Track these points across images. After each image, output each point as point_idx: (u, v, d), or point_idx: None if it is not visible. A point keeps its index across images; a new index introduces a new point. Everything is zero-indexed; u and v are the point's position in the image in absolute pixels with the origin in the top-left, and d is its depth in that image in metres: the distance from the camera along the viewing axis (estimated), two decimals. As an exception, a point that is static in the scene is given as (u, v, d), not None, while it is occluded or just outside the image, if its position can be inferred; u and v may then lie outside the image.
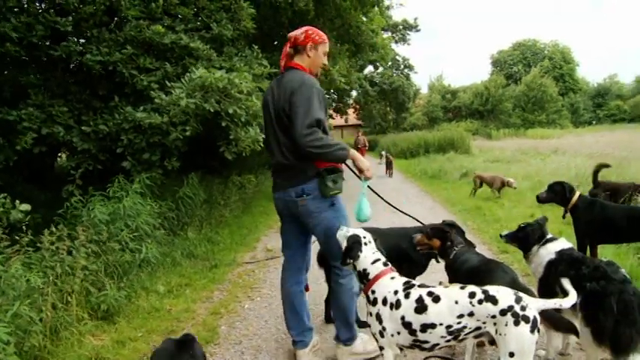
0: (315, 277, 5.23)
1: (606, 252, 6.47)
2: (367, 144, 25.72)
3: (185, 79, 7.36)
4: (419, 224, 4.62)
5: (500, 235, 4.40)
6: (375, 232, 4.50)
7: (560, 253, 3.83)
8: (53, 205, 6.83)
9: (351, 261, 3.25)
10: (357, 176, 3.90)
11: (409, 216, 4.71)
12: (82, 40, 8.27)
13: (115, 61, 7.61)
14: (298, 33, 3.78)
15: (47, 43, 7.68)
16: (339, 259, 3.69)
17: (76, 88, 8.15)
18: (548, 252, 3.90)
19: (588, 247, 5.98)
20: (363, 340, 4.07)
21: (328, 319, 4.82)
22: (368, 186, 3.93)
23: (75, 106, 7.86)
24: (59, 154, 10.30)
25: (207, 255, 7.55)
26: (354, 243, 3.27)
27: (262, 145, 8.16)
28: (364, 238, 3.30)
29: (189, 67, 7.76)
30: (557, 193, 6.07)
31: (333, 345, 4.18)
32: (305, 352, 4.12)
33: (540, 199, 6.36)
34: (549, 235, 4.05)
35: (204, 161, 10.69)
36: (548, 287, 3.72)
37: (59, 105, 7.49)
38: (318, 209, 3.70)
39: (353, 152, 3.69)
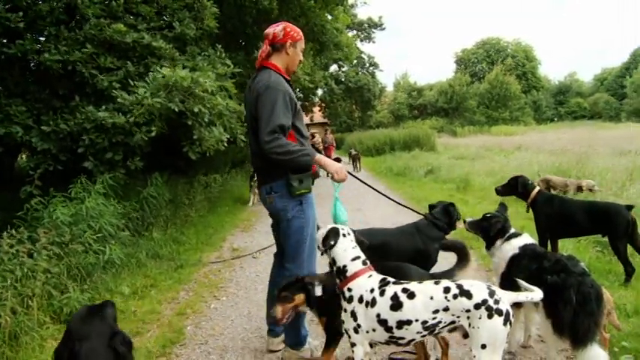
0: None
1: (567, 246, 6.66)
2: (335, 143, 25.56)
3: (149, 79, 7.28)
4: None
5: (464, 222, 4.49)
6: (384, 234, 4.57)
7: (524, 248, 3.93)
8: (13, 206, 6.67)
9: (328, 249, 3.21)
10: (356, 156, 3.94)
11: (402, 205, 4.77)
12: (40, 38, 8.09)
13: (75, 60, 7.46)
14: (277, 30, 3.75)
15: (4, 41, 7.50)
16: (292, 260, 3.74)
17: (35, 87, 7.96)
18: (511, 247, 3.99)
19: (550, 242, 6.17)
20: (312, 346, 4.09)
21: None
22: (359, 178, 3.96)
23: (34, 105, 7.67)
24: (20, 155, 10.08)
25: (173, 255, 7.48)
26: (332, 232, 3.25)
27: (226, 145, 8.14)
28: (343, 229, 3.28)
29: (152, 67, 7.68)
30: (512, 187, 6.30)
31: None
32: (275, 340, 4.22)
33: (498, 192, 6.55)
34: (513, 231, 4.15)
35: (170, 161, 10.60)
36: (510, 282, 3.81)
37: (17, 104, 7.30)
38: (285, 208, 3.72)
39: (319, 158, 3.67)
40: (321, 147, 22.58)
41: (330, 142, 24.02)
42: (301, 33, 3.83)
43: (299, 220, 3.75)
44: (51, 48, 7.42)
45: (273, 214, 3.88)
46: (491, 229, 4.13)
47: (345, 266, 3.15)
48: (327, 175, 3.77)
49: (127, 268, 6.60)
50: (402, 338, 2.95)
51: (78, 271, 5.62)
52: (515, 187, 6.32)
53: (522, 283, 3.16)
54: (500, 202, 4.64)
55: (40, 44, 7.67)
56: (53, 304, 4.92)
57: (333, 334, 3.62)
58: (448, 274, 3.63)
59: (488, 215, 4.28)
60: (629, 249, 5.64)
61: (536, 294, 2.98)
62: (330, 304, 3.45)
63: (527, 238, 4.05)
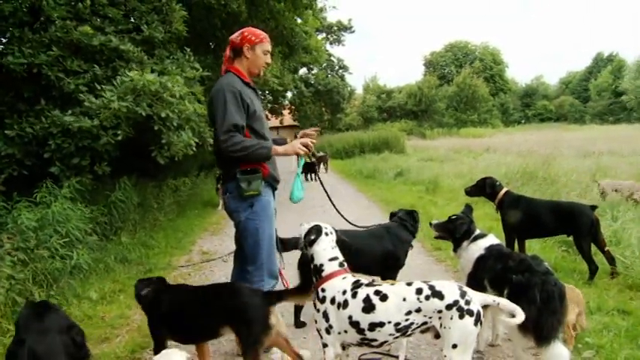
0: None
1: (533, 246, 6.81)
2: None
3: (117, 82, 7.20)
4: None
5: (430, 224, 4.57)
6: (354, 236, 4.60)
7: (489, 249, 4.03)
8: (-24, 212, 6.54)
9: (309, 247, 3.25)
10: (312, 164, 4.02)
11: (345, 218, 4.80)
12: (2, 40, 7.93)
13: (40, 63, 7.33)
14: (235, 36, 3.83)
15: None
16: (251, 262, 3.79)
17: (-1, 90, 7.80)
18: (478, 248, 4.09)
19: (517, 242, 6.31)
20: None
21: (297, 324, 4.87)
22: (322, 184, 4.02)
23: (-3, 108, 7.52)
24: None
25: (142, 259, 7.41)
26: (315, 228, 3.29)
27: (195, 149, 8.10)
28: (326, 228, 3.33)
29: (120, 70, 7.59)
30: (480, 187, 6.43)
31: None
32: None
33: (467, 193, 6.69)
34: (478, 232, 4.24)
35: (138, 164, 10.48)
36: (477, 282, 3.90)
37: (-21, 108, 7.15)
38: (237, 209, 3.78)
39: (276, 148, 3.75)
40: None
41: None
42: (263, 35, 3.85)
43: (252, 222, 3.78)
44: (15, 50, 7.26)
45: (229, 214, 3.95)
46: (457, 231, 4.22)
47: (321, 265, 3.18)
48: (312, 179, 3.83)
49: (95, 273, 6.52)
50: (375, 340, 2.99)
51: (44, 277, 5.52)
52: (484, 188, 6.45)
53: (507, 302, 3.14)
54: (465, 204, 4.75)
55: (2, 46, 7.53)
56: (18, 312, 4.83)
57: (151, 332, 3.71)
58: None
59: (454, 217, 4.36)
60: (593, 248, 5.80)
61: (507, 304, 3.06)
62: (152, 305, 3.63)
63: (493, 239, 4.15)
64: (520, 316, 2.99)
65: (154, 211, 10.10)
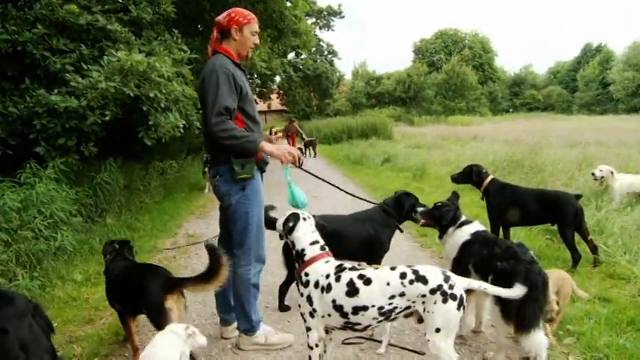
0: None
1: (518, 234, 6.86)
2: (300, 132, 23.82)
3: (104, 62, 7.11)
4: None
5: (415, 212, 4.59)
6: (337, 220, 4.61)
7: (475, 235, 4.06)
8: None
9: (289, 234, 3.26)
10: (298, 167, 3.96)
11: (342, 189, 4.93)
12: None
13: (25, 40, 7.22)
14: (222, 17, 3.75)
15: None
16: (239, 246, 3.80)
17: (-20, 67, 7.67)
18: (464, 233, 4.12)
19: (502, 230, 6.35)
20: (265, 332, 4.12)
21: (282, 308, 4.89)
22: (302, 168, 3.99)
23: (-21, 87, 7.40)
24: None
25: (127, 242, 7.37)
26: (292, 215, 3.30)
27: (182, 131, 8.04)
28: (302, 214, 3.33)
29: (107, 50, 7.50)
30: (467, 175, 6.46)
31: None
32: (228, 329, 4.29)
33: (454, 180, 6.72)
34: (464, 218, 4.27)
35: (125, 146, 10.41)
36: (462, 267, 3.93)
37: (-40, 85, 7.04)
38: (228, 192, 3.75)
39: (263, 145, 3.62)
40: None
41: (293, 131, 23.23)
42: (250, 16, 3.78)
43: (243, 205, 3.77)
44: (-2, 27, 7.15)
45: (219, 198, 3.91)
46: (443, 218, 4.24)
47: (303, 250, 3.19)
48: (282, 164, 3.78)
49: (80, 254, 6.50)
50: (358, 324, 3.00)
51: (28, 258, 5.50)
52: (470, 175, 6.48)
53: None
54: (452, 191, 4.76)
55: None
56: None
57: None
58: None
59: (439, 204, 4.38)
60: (576, 237, 5.85)
61: (491, 288, 3.13)
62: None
63: (479, 226, 4.19)
64: (510, 292, 3.09)
65: (140, 193, 10.06)
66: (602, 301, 4.80)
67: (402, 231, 5.00)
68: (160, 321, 3.36)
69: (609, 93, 60.54)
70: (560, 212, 5.77)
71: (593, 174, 7.97)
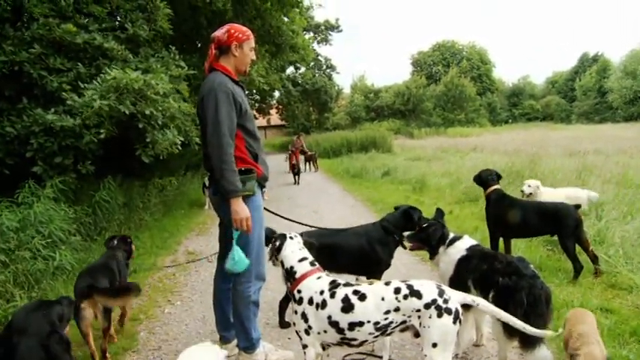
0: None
1: (519, 245, 6.83)
2: (303, 147, 23.06)
3: (99, 80, 7.13)
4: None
5: (402, 237, 4.51)
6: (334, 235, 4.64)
7: (471, 250, 4.00)
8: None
9: (277, 254, 3.25)
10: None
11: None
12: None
13: (22, 60, 7.26)
14: (221, 33, 3.72)
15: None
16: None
17: (-21, 88, 7.69)
18: (457, 250, 4.05)
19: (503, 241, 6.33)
20: (265, 349, 4.08)
21: (282, 324, 4.83)
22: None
23: (-23, 107, 7.41)
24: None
25: (127, 260, 7.34)
26: (280, 236, 3.30)
27: (180, 148, 8.04)
28: (290, 233, 3.34)
29: (103, 68, 7.52)
30: (477, 178, 6.51)
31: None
32: (228, 347, 4.19)
33: (474, 180, 6.75)
34: (452, 235, 4.22)
35: (123, 164, 10.41)
36: (461, 284, 3.86)
37: (-41, 106, 7.06)
38: (229, 209, 3.65)
39: (235, 200, 3.51)
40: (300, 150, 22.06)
41: (298, 146, 22.82)
42: (248, 32, 3.78)
43: None
44: (-5, 48, 7.19)
45: (219, 215, 3.89)
46: (432, 238, 4.18)
47: (292, 267, 3.20)
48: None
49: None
50: (355, 339, 2.98)
51: (25, 278, 5.46)
52: (479, 181, 6.51)
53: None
54: (437, 208, 4.68)
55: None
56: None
57: None
58: None
59: (425, 225, 4.31)
60: (577, 248, 5.82)
61: (484, 304, 3.07)
62: None
63: (470, 240, 4.14)
64: (503, 315, 3.01)
65: (139, 210, 10.03)
66: (604, 312, 4.75)
67: (405, 247, 4.84)
68: (80, 326, 3.98)
69: (607, 101, 60.65)
70: (562, 224, 5.74)
71: (522, 190, 7.79)
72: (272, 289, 5.53)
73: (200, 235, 9.56)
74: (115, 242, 5.18)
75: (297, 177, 17.57)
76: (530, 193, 7.67)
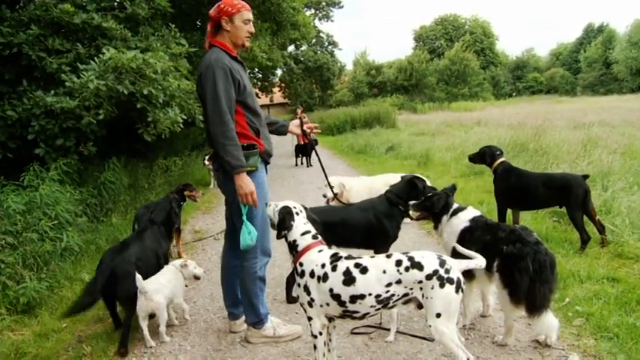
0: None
1: (525, 217, 6.83)
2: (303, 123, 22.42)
3: (96, 61, 7.07)
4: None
5: (409, 206, 4.52)
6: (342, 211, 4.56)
7: (475, 220, 3.99)
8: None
9: (286, 233, 3.23)
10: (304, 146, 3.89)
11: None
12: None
13: (20, 42, 7.21)
14: (212, 9, 3.68)
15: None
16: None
17: (-22, 71, 7.66)
18: (461, 220, 4.04)
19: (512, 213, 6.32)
20: (274, 324, 4.10)
21: (289, 300, 4.85)
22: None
23: (-23, 91, 7.39)
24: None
25: (133, 240, 7.36)
26: (286, 214, 3.25)
27: (182, 126, 8.01)
28: (294, 208, 3.30)
29: (103, 48, 7.46)
30: (481, 155, 6.46)
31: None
32: (236, 322, 4.28)
33: (470, 159, 6.75)
34: (456, 205, 4.20)
35: (128, 145, 10.40)
36: (462, 256, 3.86)
37: (-42, 91, 7.03)
38: (232, 184, 3.63)
39: (240, 175, 3.52)
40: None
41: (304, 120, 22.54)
42: (240, 4, 3.65)
43: None
44: (-9, 29, 7.13)
45: (221, 189, 3.89)
46: (435, 206, 4.17)
47: (295, 241, 3.19)
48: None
49: (87, 254, 6.48)
50: (356, 312, 3.00)
51: (34, 260, 5.49)
52: (484, 156, 6.44)
53: (462, 250, 3.28)
54: (452, 184, 4.64)
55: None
56: (9, 295, 4.81)
57: None
58: None
59: (430, 195, 4.31)
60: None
61: (479, 261, 3.08)
62: None
63: (474, 211, 4.12)
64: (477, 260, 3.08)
65: (144, 191, 10.04)
66: (610, 281, 4.77)
67: (411, 218, 4.81)
68: None
69: (613, 73, 60.02)
70: (571, 194, 5.68)
71: (324, 195, 7.41)
72: (279, 265, 5.57)
73: (206, 214, 9.58)
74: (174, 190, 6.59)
75: (306, 158, 15.91)
76: (336, 193, 7.13)
